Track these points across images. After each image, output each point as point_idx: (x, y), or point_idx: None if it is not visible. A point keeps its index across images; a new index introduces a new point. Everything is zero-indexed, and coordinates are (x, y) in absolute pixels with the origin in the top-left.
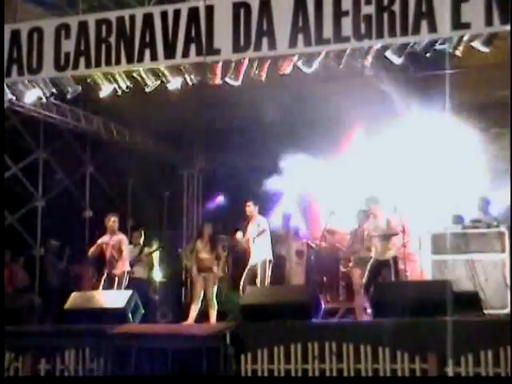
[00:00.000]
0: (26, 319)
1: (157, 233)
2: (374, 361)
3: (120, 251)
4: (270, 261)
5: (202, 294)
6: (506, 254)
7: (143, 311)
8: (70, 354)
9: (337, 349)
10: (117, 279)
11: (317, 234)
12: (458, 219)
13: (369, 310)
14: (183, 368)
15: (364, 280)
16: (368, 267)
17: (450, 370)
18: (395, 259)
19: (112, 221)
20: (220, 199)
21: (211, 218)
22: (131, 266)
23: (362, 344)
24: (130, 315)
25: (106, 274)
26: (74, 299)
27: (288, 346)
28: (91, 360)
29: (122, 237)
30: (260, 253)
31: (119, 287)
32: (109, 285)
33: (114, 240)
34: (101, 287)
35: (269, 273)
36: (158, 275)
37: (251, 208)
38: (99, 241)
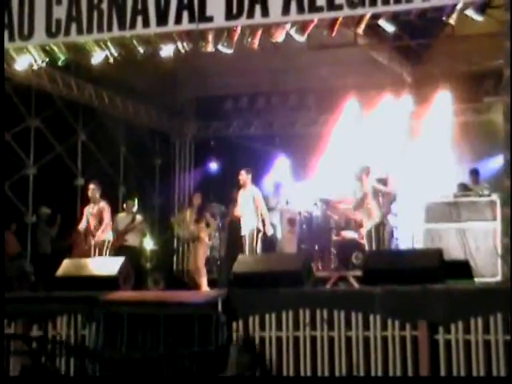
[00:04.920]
0: (18, 286)
1: (149, 201)
2: (364, 328)
3: (100, 220)
4: (258, 230)
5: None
6: (497, 223)
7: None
8: (62, 321)
9: (328, 316)
10: (97, 249)
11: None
12: (463, 187)
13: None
14: (175, 335)
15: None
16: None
17: (440, 337)
18: (378, 227)
19: (91, 189)
20: (212, 167)
21: (203, 186)
22: (124, 233)
23: (353, 311)
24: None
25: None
26: (65, 266)
27: (279, 313)
28: (83, 326)
29: (102, 205)
30: (248, 222)
31: (100, 256)
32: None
33: (95, 209)
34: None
35: (258, 242)
36: (149, 243)
37: (244, 177)
38: (85, 211)
